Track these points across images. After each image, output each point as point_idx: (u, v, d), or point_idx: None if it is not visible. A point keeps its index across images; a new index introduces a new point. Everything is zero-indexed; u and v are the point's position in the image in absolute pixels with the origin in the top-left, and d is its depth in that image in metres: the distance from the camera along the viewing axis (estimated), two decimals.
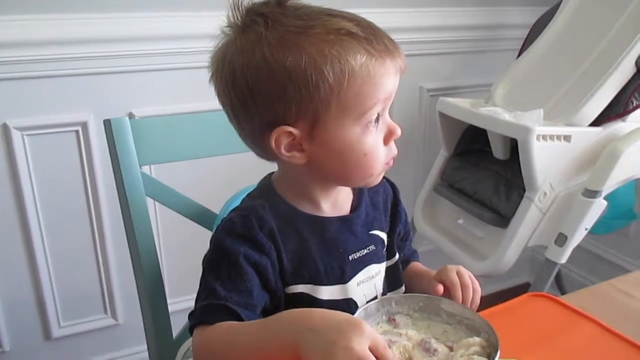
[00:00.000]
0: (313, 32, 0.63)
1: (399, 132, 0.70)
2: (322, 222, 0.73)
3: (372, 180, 0.72)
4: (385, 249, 0.80)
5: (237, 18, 0.67)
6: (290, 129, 0.66)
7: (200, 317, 0.65)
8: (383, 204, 0.82)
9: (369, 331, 0.54)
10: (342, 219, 0.75)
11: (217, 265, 0.68)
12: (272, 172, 0.78)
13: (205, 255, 0.71)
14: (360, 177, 0.71)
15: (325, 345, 0.53)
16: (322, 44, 0.63)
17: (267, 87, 0.64)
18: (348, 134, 0.66)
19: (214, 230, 0.73)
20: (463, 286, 0.73)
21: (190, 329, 0.66)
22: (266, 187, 0.76)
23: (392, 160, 0.72)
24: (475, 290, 0.74)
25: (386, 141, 0.70)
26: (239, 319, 0.64)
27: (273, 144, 0.67)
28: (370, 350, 0.53)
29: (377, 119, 0.68)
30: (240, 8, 0.67)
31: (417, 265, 0.88)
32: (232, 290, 0.65)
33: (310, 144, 0.67)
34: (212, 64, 0.70)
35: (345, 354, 0.52)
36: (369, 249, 0.76)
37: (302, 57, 0.62)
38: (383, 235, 0.80)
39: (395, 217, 0.83)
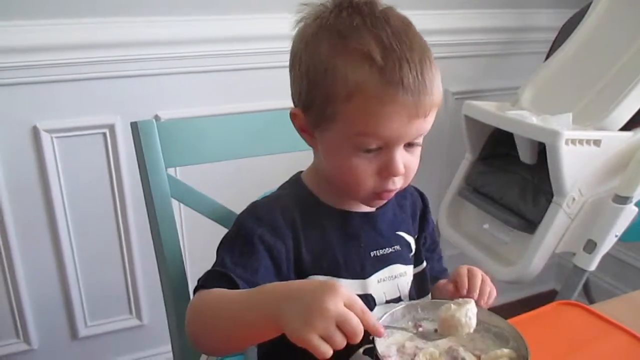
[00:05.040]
0: (341, 39, 0.64)
1: (396, 172, 0.67)
2: (345, 216, 0.74)
3: (360, 200, 0.72)
4: (413, 254, 0.80)
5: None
6: (300, 113, 0.70)
7: (202, 281, 0.67)
8: (411, 209, 0.82)
9: (343, 291, 0.53)
10: (365, 215, 0.75)
11: (232, 240, 0.70)
12: (302, 170, 0.80)
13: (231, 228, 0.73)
14: (347, 191, 0.71)
15: (300, 311, 0.52)
16: (338, 53, 0.64)
17: (297, 65, 0.69)
18: (339, 144, 0.67)
19: None
20: (471, 275, 0.73)
21: (194, 292, 0.67)
22: (295, 179, 0.78)
23: (387, 194, 0.70)
24: (485, 281, 0.73)
25: (380, 174, 0.68)
26: None
27: (291, 117, 0.72)
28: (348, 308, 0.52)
29: (375, 150, 0.66)
30: None
31: (443, 281, 0.86)
32: (240, 264, 0.66)
33: (317, 134, 0.70)
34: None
35: (321, 315, 0.51)
36: (393, 249, 0.76)
37: (318, 56, 0.66)
38: (410, 239, 0.80)
39: (422, 225, 0.83)
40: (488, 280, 0.74)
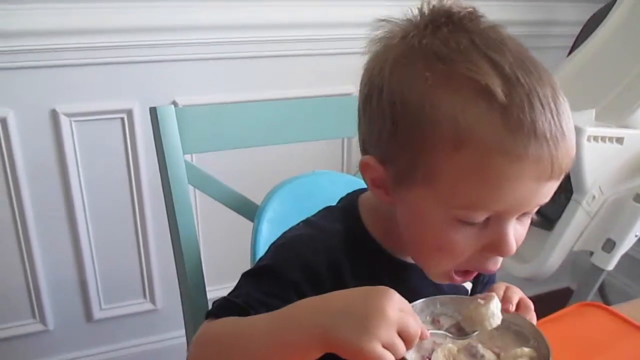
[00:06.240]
0: (444, 65, 0.49)
1: (507, 252, 0.53)
2: (404, 268, 0.63)
3: (430, 273, 0.60)
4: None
5: (422, 12, 0.54)
6: (376, 163, 0.55)
7: (218, 310, 0.57)
8: None
9: (397, 296, 0.48)
10: None
11: (262, 274, 0.60)
12: (362, 190, 0.66)
13: (265, 253, 0.64)
14: (422, 262, 0.60)
15: (359, 322, 0.47)
16: (441, 84, 0.49)
17: (376, 98, 0.54)
18: (432, 212, 0.53)
19: (283, 233, 0.65)
20: (509, 289, 0.64)
21: (206, 316, 0.59)
22: (351, 209, 0.64)
23: (473, 273, 0.58)
24: (523, 300, 0.64)
25: (483, 250, 0.54)
26: None
27: (360, 168, 0.57)
28: None
29: (482, 222, 0.52)
30: (429, 5, 0.54)
31: None
32: (266, 304, 0.56)
33: (395, 192, 0.56)
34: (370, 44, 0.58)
35: (384, 323, 0.46)
36: None
37: (411, 87, 0.51)
38: (469, 285, 0.71)
39: None
40: (529, 302, 0.64)
